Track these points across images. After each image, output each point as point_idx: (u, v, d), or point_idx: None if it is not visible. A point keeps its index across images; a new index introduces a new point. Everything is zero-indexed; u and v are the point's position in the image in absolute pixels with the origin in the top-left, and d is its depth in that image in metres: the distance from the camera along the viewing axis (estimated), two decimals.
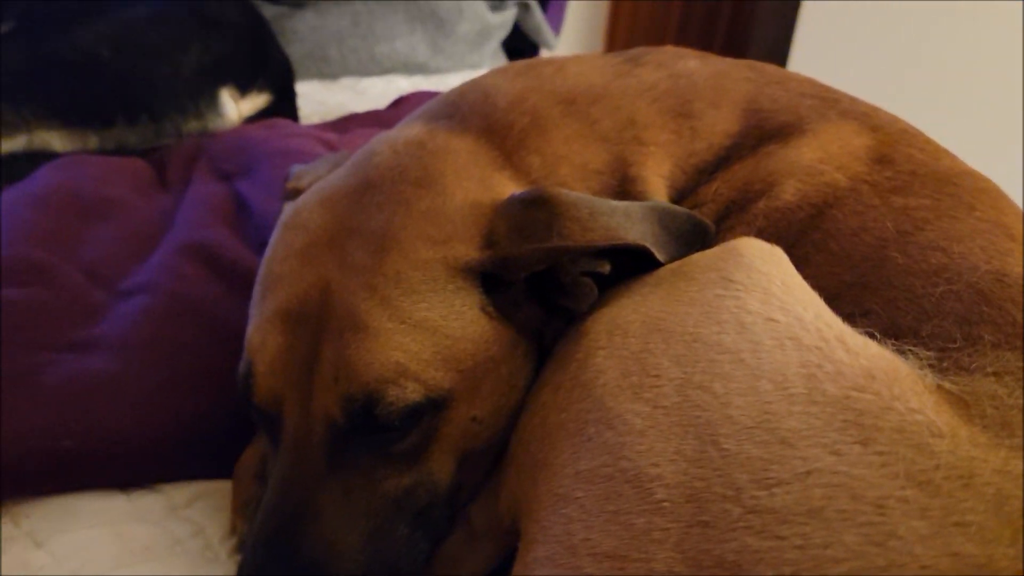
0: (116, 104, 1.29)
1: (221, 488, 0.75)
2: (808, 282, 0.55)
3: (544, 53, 2.47)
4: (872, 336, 0.52)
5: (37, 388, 0.75)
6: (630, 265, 0.60)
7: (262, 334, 0.61)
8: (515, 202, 0.62)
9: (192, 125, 1.37)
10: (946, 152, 0.68)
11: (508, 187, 0.65)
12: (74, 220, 1.03)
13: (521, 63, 0.77)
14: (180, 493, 0.75)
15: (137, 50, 1.31)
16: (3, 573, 0.65)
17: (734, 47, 3.12)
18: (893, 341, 0.53)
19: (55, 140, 1.27)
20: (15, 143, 1.24)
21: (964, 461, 0.43)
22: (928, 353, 0.52)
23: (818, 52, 2.57)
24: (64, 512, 0.71)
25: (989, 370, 0.50)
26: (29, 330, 0.82)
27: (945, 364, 0.51)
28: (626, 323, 0.54)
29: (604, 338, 0.54)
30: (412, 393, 0.58)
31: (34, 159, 1.22)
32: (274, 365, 0.60)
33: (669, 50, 0.77)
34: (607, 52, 0.79)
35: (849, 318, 0.54)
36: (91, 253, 0.97)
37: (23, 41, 1.26)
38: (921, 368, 0.50)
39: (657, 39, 3.12)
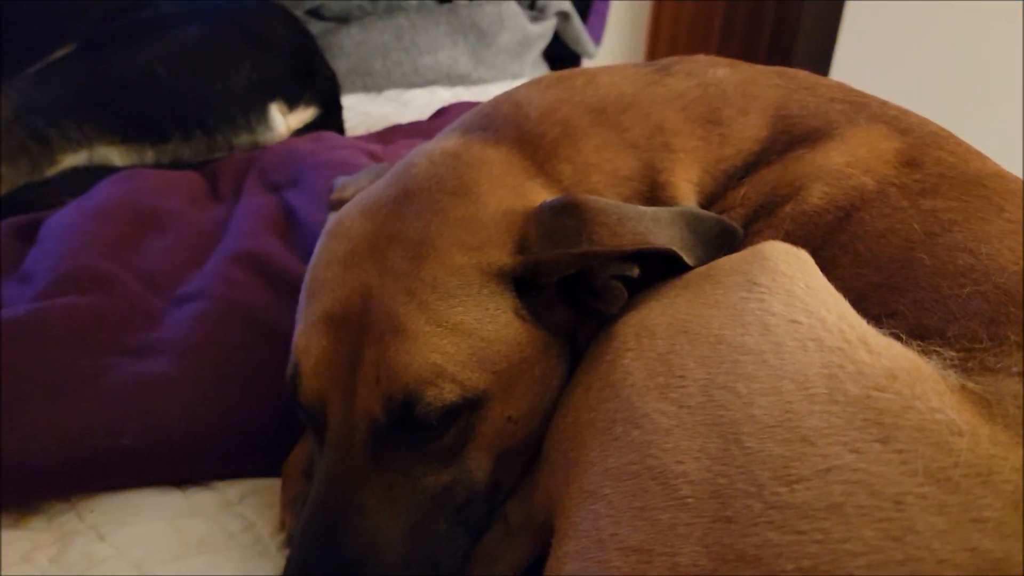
0: (172, 120, 1.35)
1: (271, 485, 0.78)
2: (835, 284, 0.55)
3: (585, 62, 2.49)
4: (897, 337, 0.52)
5: (99, 389, 0.79)
6: (659, 269, 0.61)
7: (307, 337, 0.64)
8: (546, 209, 0.64)
9: (243, 139, 1.42)
10: (977, 154, 0.68)
11: (540, 195, 0.67)
12: (133, 231, 1.08)
13: (553, 75, 0.79)
14: (233, 490, 0.78)
15: (191, 68, 1.36)
16: (70, 564, 0.69)
17: (778, 51, 3.09)
18: (919, 342, 0.53)
19: (115, 155, 1.33)
20: (77, 158, 1.30)
21: (984, 459, 0.44)
22: (953, 353, 0.52)
23: (862, 52, 2.53)
24: (125, 507, 0.75)
25: (1014, 370, 0.50)
26: (91, 335, 0.86)
27: (970, 364, 0.52)
28: (653, 325, 0.56)
29: (632, 340, 0.56)
30: (449, 393, 0.60)
31: (95, 173, 1.28)
32: (319, 367, 0.63)
33: (700, 59, 0.79)
34: (648, 61, 0.81)
35: (876, 319, 0.54)
36: (149, 262, 1.02)
37: (85, 61, 1.32)
38: (945, 368, 0.50)
39: (700, 47, 3.11)
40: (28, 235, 1.11)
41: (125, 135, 1.31)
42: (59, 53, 1.38)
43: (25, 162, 1.24)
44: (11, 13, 1.45)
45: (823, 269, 0.56)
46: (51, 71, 1.31)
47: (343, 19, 2.01)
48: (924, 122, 0.72)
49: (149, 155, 1.34)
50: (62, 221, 1.09)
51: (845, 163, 0.67)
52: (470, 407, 0.62)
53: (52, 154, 1.27)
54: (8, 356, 0.80)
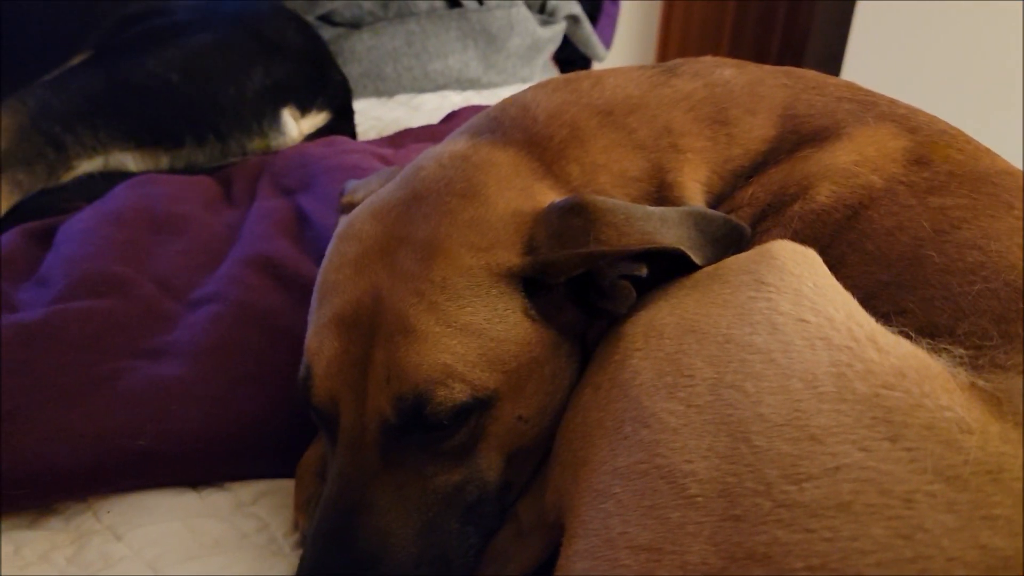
0: (185, 125, 1.36)
1: (285, 486, 0.78)
2: (844, 282, 0.55)
3: (595, 65, 2.49)
4: (907, 335, 0.52)
5: (115, 392, 0.80)
6: (668, 268, 0.61)
7: (319, 339, 0.65)
8: (554, 210, 0.64)
9: (256, 144, 1.43)
10: (986, 151, 0.68)
11: (548, 196, 0.68)
12: (148, 235, 1.09)
13: (560, 78, 0.79)
14: (247, 491, 0.79)
15: (205, 74, 1.38)
16: (87, 563, 0.70)
17: (790, 52, 3.08)
18: (928, 340, 0.53)
19: (129, 160, 1.35)
20: (93, 164, 1.32)
21: (993, 456, 0.44)
22: (963, 351, 0.52)
23: (873, 52, 2.52)
24: (141, 508, 0.76)
25: None
26: (107, 338, 0.87)
27: (980, 362, 0.52)
28: (662, 325, 0.56)
29: (641, 340, 0.56)
30: (459, 393, 0.60)
31: (110, 179, 1.29)
32: (330, 368, 0.64)
33: (706, 60, 0.79)
34: (656, 63, 0.81)
35: (885, 317, 0.54)
36: (163, 266, 1.03)
37: (99, 69, 1.34)
38: (955, 366, 0.50)
39: (711, 49, 3.11)
40: (45, 240, 1.13)
41: (140, 141, 1.33)
42: (75, 60, 1.40)
43: (42, 168, 1.25)
44: (28, 21, 1.47)
45: (831, 267, 0.56)
46: (67, 78, 1.32)
47: (355, 25, 2.02)
48: (933, 120, 0.72)
49: (164, 160, 1.36)
50: (78, 226, 1.11)
51: (853, 162, 0.67)
52: (480, 407, 0.62)
53: (68, 160, 1.28)
54: (25, 359, 0.81)
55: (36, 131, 1.24)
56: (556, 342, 0.65)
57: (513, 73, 2.15)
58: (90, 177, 1.30)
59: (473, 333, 0.61)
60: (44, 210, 1.23)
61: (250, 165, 1.37)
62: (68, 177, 1.30)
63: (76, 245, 1.05)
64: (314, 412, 0.67)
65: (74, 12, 1.49)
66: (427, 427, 0.61)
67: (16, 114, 1.25)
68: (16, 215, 1.23)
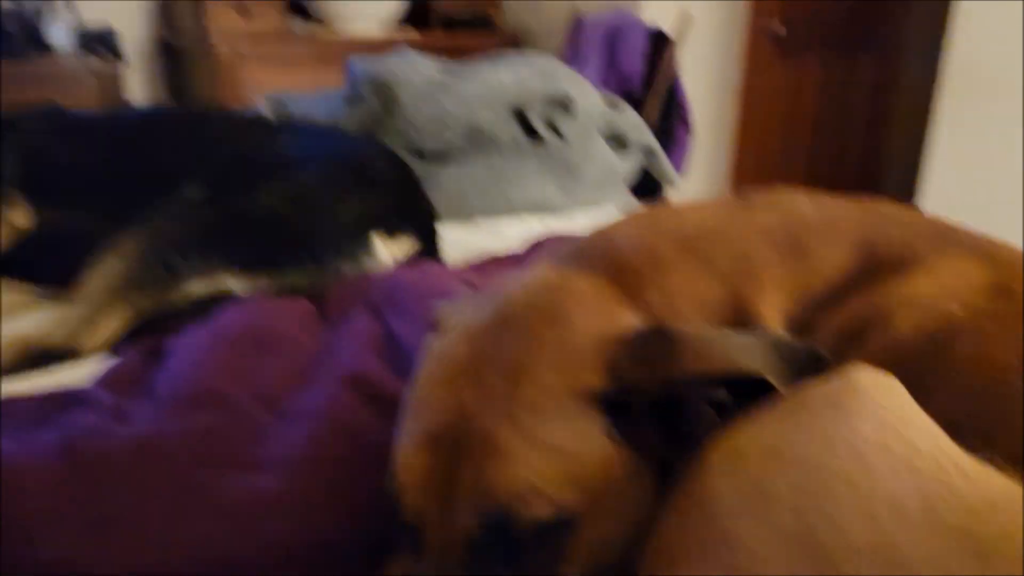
0: (288, 252, 1.47)
1: None
2: (927, 411, 0.56)
3: (669, 192, 2.56)
4: (995, 465, 0.52)
5: (212, 504, 0.83)
6: (749, 394, 0.63)
7: (407, 454, 0.68)
8: (637, 334, 0.67)
9: (349, 267, 1.52)
10: None
11: (630, 320, 0.70)
12: (249, 353, 1.15)
13: (642, 211, 0.84)
14: None
15: (307, 206, 1.50)
16: None
17: (865, 183, 3.10)
18: (1018, 471, 0.52)
19: (234, 283, 1.45)
20: (200, 286, 1.42)
21: None
22: None
23: (949, 182, 2.52)
24: None
25: None
26: (206, 451, 0.91)
27: None
28: (744, 449, 0.57)
29: (723, 463, 0.57)
30: (542, 511, 0.62)
31: (214, 300, 1.39)
32: (418, 483, 0.66)
33: (781, 192, 0.82)
34: (732, 194, 0.85)
35: (971, 447, 0.54)
36: (261, 381, 1.08)
37: (216, 203, 1.47)
38: None
39: (785, 176, 3.15)
40: (156, 356, 1.21)
41: (246, 266, 1.43)
42: (188, 188, 1.53)
43: (157, 291, 1.36)
44: (148, 151, 1.65)
45: (914, 396, 0.56)
46: (186, 210, 1.46)
47: (441, 157, 2.15)
48: (1014, 251, 0.72)
49: (264, 283, 1.45)
50: (185, 343, 1.19)
51: (934, 292, 0.68)
52: (562, 526, 0.63)
53: (179, 283, 1.39)
54: (133, 470, 0.86)
55: (155, 258, 1.36)
56: (638, 464, 0.66)
57: (590, 200, 2.24)
58: (198, 299, 1.40)
59: (557, 452, 0.63)
60: (156, 329, 1.32)
61: (344, 287, 1.45)
62: (177, 298, 1.40)
63: (183, 362, 1.13)
64: (399, 526, 0.69)
65: (191, 146, 1.66)
66: (511, 544, 0.62)
67: (139, 243, 1.38)
68: (131, 333, 1.33)
